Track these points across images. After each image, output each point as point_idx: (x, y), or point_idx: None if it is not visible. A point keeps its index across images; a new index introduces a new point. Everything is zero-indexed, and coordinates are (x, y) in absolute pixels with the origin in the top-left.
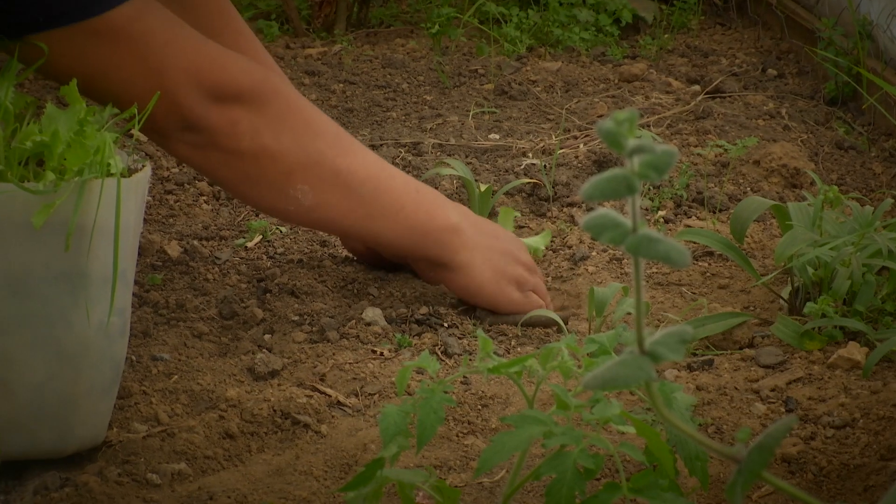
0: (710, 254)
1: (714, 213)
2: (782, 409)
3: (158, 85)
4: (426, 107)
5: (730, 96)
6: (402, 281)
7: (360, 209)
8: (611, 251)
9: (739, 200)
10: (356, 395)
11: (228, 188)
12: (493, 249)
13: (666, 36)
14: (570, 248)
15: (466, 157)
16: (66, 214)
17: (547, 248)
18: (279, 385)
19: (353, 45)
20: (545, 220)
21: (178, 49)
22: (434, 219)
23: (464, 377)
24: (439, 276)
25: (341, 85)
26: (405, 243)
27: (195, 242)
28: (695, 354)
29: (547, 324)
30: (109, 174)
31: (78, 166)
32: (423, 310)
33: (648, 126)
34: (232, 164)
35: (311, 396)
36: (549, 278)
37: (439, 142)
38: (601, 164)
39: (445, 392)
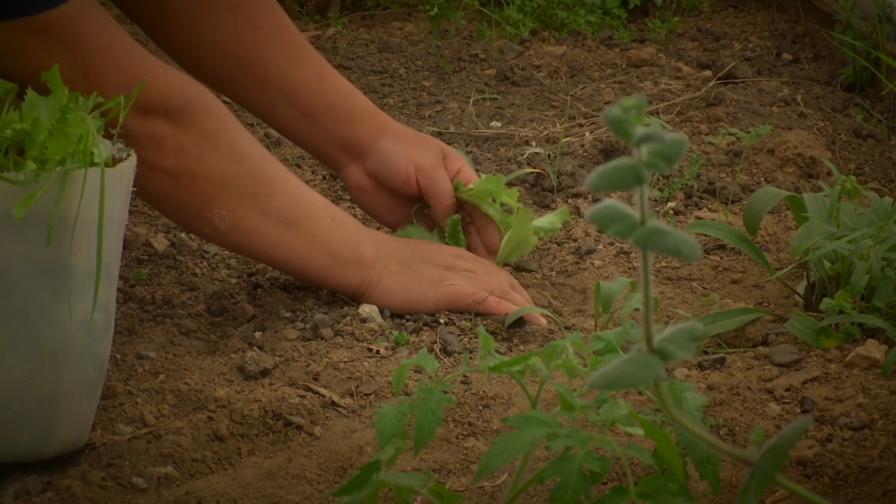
0: (722, 247)
1: (726, 204)
2: (797, 410)
3: (88, 90)
4: (424, 93)
5: (743, 82)
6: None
7: (275, 237)
8: (618, 244)
9: (753, 191)
10: (351, 396)
11: (146, 200)
12: (405, 270)
13: (676, 18)
14: (575, 241)
15: (467, 145)
16: (48, 206)
17: (552, 241)
18: (270, 385)
19: (347, 29)
20: (549, 211)
21: (111, 56)
22: (346, 250)
23: (464, 376)
24: (355, 299)
25: (336, 70)
26: (318, 273)
27: (182, 235)
28: (706, 352)
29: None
30: (93, 164)
31: (60, 155)
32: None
33: (657, 113)
34: (152, 180)
35: (303, 396)
36: (554, 273)
37: (438, 130)
38: (608, 153)
39: (444, 392)
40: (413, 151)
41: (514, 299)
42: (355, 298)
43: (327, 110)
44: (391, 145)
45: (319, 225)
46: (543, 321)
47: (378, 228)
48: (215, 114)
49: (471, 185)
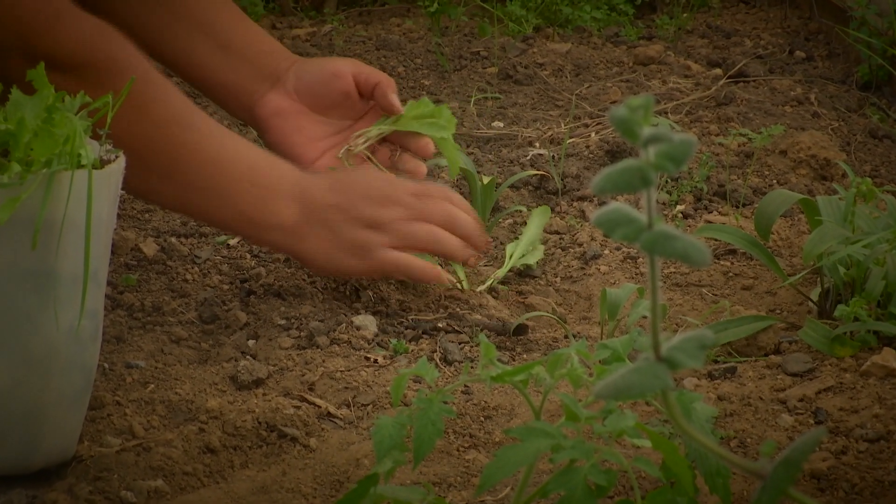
0: (733, 252)
1: (737, 207)
2: (811, 421)
3: None
4: (424, 92)
5: (754, 81)
6: (398, 282)
7: (193, 206)
8: (625, 249)
9: (764, 194)
10: (348, 406)
11: None
12: (329, 235)
13: (685, 15)
14: (580, 245)
15: (468, 146)
16: (34, 209)
17: (556, 246)
18: (264, 395)
19: (344, 25)
20: (554, 215)
21: (16, 3)
22: (265, 216)
23: (465, 386)
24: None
25: None
26: (245, 236)
27: (173, 240)
28: (716, 361)
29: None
30: (80, 165)
31: (46, 157)
32: (421, 313)
33: (665, 113)
34: None
35: (298, 407)
36: (558, 278)
37: None
38: (614, 154)
39: (445, 402)
40: (339, 58)
41: (447, 245)
42: (283, 252)
43: (245, 45)
44: (313, 63)
45: (236, 193)
46: (445, 279)
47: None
48: (130, 72)
49: (392, 118)
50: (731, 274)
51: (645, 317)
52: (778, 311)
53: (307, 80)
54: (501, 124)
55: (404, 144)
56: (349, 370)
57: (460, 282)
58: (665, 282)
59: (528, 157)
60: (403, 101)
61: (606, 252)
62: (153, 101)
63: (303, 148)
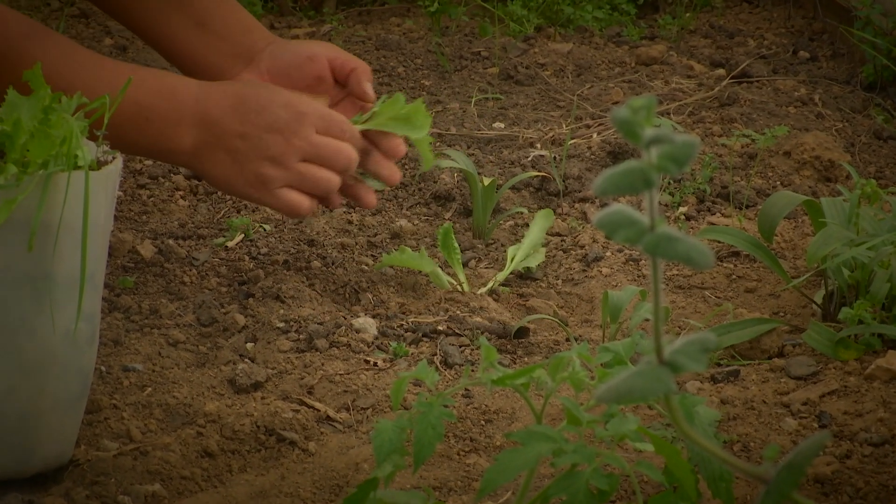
0: (736, 254)
1: (740, 209)
2: (815, 425)
3: None
4: (424, 93)
5: (758, 81)
6: (398, 285)
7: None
8: (627, 251)
9: (768, 195)
10: (347, 410)
11: None
12: (230, 161)
13: (688, 14)
14: (582, 247)
15: (468, 147)
16: (30, 211)
17: (558, 248)
18: (263, 398)
19: (343, 25)
20: (555, 216)
21: None
22: (162, 144)
23: (465, 389)
24: None
25: None
26: (149, 157)
27: (170, 242)
28: (719, 364)
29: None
30: (77, 167)
31: (42, 158)
32: (421, 316)
33: (668, 114)
34: None
35: (297, 411)
36: (560, 281)
37: (438, 131)
38: (616, 155)
39: (445, 406)
40: (315, 41)
41: (334, 199)
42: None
43: (222, 22)
44: (285, 44)
45: (131, 131)
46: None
47: None
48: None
49: (366, 115)
50: (734, 276)
51: (647, 319)
52: (781, 314)
53: (282, 61)
54: (502, 125)
55: (376, 143)
56: (349, 373)
57: (461, 284)
58: (668, 284)
59: (530, 159)
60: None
61: (608, 254)
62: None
63: None
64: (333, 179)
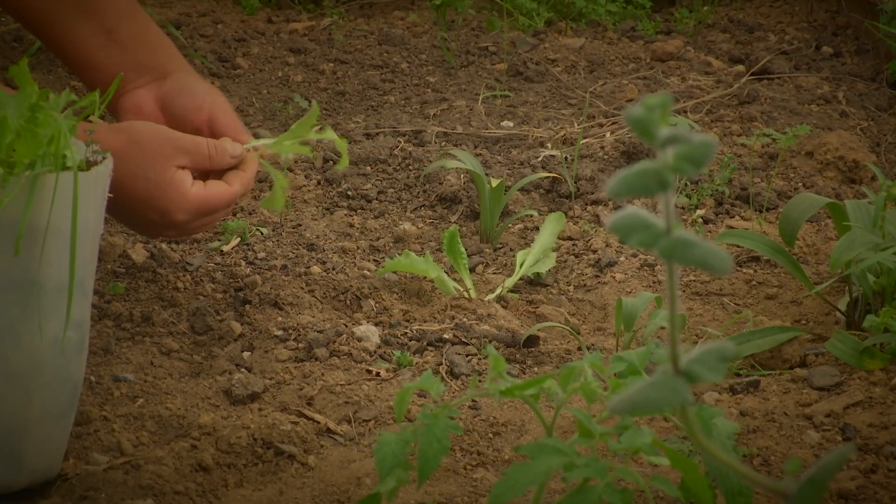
0: (756, 259)
1: (760, 212)
2: (838, 438)
3: None
4: (429, 90)
5: (778, 78)
6: (401, 291)
7: None
8: (641, 256)
9: (790, 197)
10: (348, 422)
11: None
12: (128, 202)
13: (705, 8)
14: (594, 252)
15: (475, 147)
16: (16, 214)
17: (569, 253)
18: (260, 410)
19: (344, 19)
20: (567, 220)
21: None
22: None
23: (472, 401)
24: None
25: (331, 64)
26: None
27: (163, 246)
28: (738, 375)
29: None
30: (65, 167)
31: (29, 158)
32: (426, 324)
33: (685, 112)
34: None
35: (296, 423)
36: (571, 287)
37: (444, 130)
38: (630, 155)
39: (451, 418)
40: (214, 92)
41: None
42: None
43: (133, 36)
44: (194, 79)
45: None
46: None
47: None
48: None
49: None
50: (753, 282)
51: (663, 328)
52: (803, 322)
53: (184, 95)
54: (511, 124)
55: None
56: (350, 384)
57: (468, 290)
58: (684, 291)
59: (540, 159)
60: (407, 100)
61: (622, 259)
62: None
63: None
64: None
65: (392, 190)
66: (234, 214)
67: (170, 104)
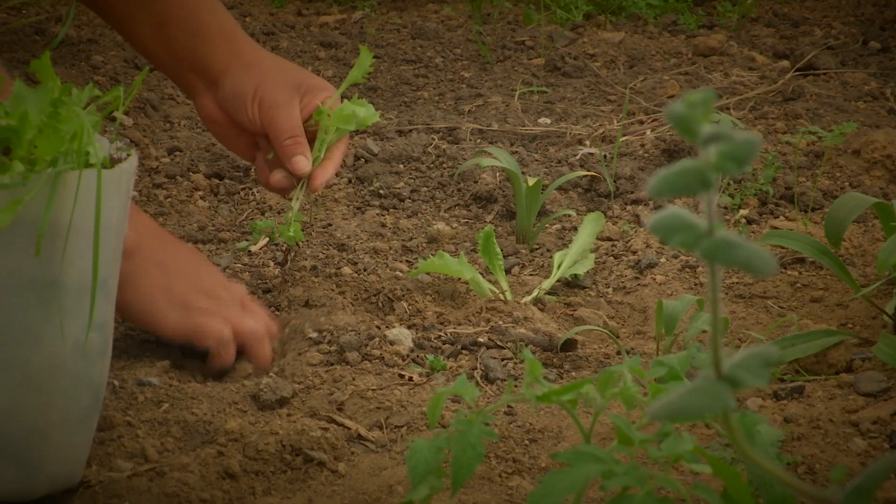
0: (801, 260)
1: (805, 212)
2: (886, 445)
3: None
4: (464, 85)
5: (825, 74)
6: (435, 293)
7: None
8: (683, 257)
9: (836, 197)
10: (380, 428)
11: None
12: (161, 276)
13: (749, 1)
14: (634, 253)
15: (511, 145)
16: (37, 212)
17: (608, 254)
18: (289, 415)
19: (376, 12)
20: (606, 220)
21: None
22: None
23: (508, 406)
24: None
25: None
26: None
27: (190, 246)
28: (782, 380)
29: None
30: (88, 165)
31: (51, 155)
32: (460, 327)
33: (728, 109)
34: None
35: (326, 429)
36: (610, 289)
37: (479, 127)
38: (671, 153)
39: (486, 424)
40: (263, 84)
41: (257, 352)
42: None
43: (182, 24)
44: (241, 76)
45: None
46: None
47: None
48: None
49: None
50: (798, 284)
51: (705, 331)
52: (850, 326)
53: (235, 106)
54: (548, 120)
55: (282, 154)
56: (382, 389)
57: (503, 292)
58: (727, 293)
59: (578, 157)
60: (441, 96)
61: (663, 260)
62: None
63: (240, 153)
64: (254, 332)
65: (425, 189)
66: (263, 213)
67: (230, 114)
